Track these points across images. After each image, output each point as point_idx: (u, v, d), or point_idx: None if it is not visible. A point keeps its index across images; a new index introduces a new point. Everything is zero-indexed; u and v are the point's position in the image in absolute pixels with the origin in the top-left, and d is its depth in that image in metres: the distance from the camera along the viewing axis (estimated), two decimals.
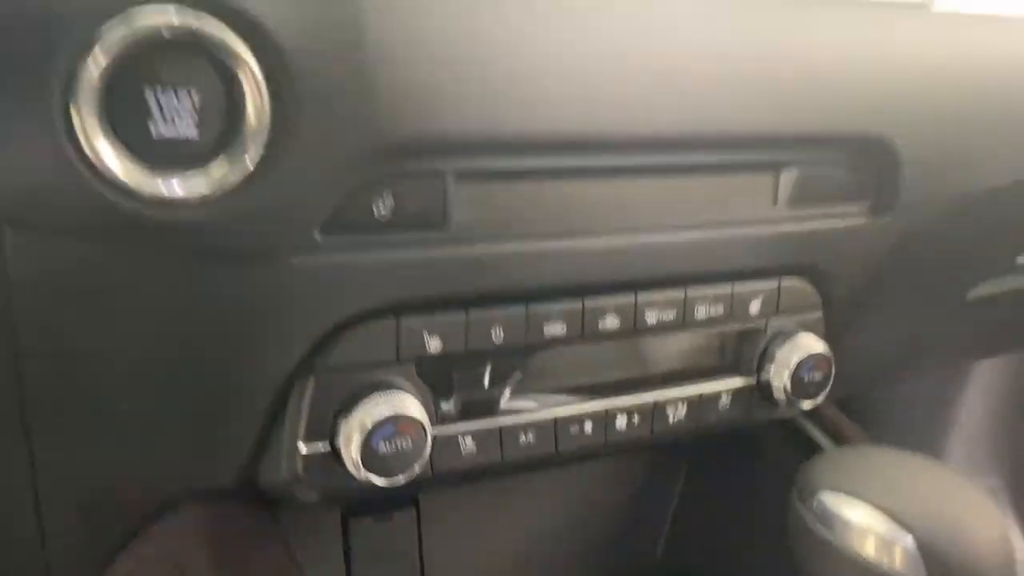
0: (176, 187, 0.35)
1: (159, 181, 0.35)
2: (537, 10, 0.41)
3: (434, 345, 0.46)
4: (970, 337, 1.02)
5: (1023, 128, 0.60)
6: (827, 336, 0.59)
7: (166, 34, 0.33)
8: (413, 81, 0.38)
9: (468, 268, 0.45)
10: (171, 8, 0.33)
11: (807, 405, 0.58)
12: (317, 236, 0.40)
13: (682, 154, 0.48)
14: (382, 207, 0.41)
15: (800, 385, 0.57)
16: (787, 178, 0.52)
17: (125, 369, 0.41)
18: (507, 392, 0.51)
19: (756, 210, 0.52)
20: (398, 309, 0.44)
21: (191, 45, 0.34)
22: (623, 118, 0.44)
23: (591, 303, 0.49)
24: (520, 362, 0.50)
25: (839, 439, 0.67)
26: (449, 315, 0.46)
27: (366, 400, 0.44)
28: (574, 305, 0.49)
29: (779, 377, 0.57)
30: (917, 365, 1.08)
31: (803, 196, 0.53)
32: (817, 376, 0.57)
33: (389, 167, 0.40)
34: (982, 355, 1.14)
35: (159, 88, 0.34)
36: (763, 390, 0.58)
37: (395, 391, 0.44)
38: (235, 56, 0.34)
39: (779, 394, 0.57)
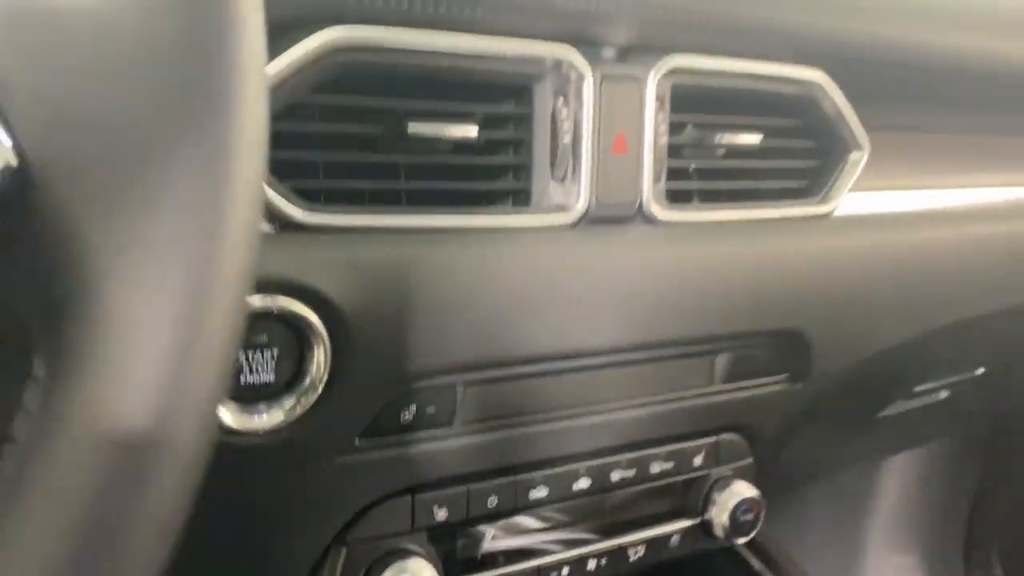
0: (258, 421, 0.45)
1: (246, 416, 0.45)
2: (524, 276, 0.53)
3: (441, 515, 0.56)
4: (881, 443, 1.16)
5: (912, 301, 0.74)
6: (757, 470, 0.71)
7: (251, 310, 0.44)
8: (436, 326, 0.49)
9: (470, 453, 0.56)
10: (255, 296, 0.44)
11: (742, 540, 0.70)
12: (356, 442, 0.51)
13: (637, 353, 0.60)
14: (407, 414, 0.52)
15: (736, 524, 0.68)
16: (720, 361, 0.65)
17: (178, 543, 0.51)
18: (501, 543, 0.61)
19: (697, 386, 0.64)
20: (413, 488, 0.55)
21: (273, 315, 0.44)
22: (590, 336, 0.56)
23: (567, 468, 0.60)
24: (511, 521, 0.61)
25: (770, 563, 0.79)
26: (454, 489, 0.56)
27: (390, 567, 0.54)
28: (554, 471, 0.60)
29: (719, 518, 0.68)
30: (837, 468, 1.22)
31: (733, 373, 0.66)
32: (750, 516, 0.69)
33: (418, 386, 0.51)
34: (892, 454, 1.28)
35: (247, 350, 0.44)
36: (706, 528, 0.69)
37: (412, 557, 0.55)
38: (309, 324, 0.45)
39: (719, 531, 0.68)
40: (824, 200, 0.67)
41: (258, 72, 0.23)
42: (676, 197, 0.61)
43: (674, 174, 0.60)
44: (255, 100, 0.22)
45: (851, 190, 0.68)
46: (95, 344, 0.21)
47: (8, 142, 0.21)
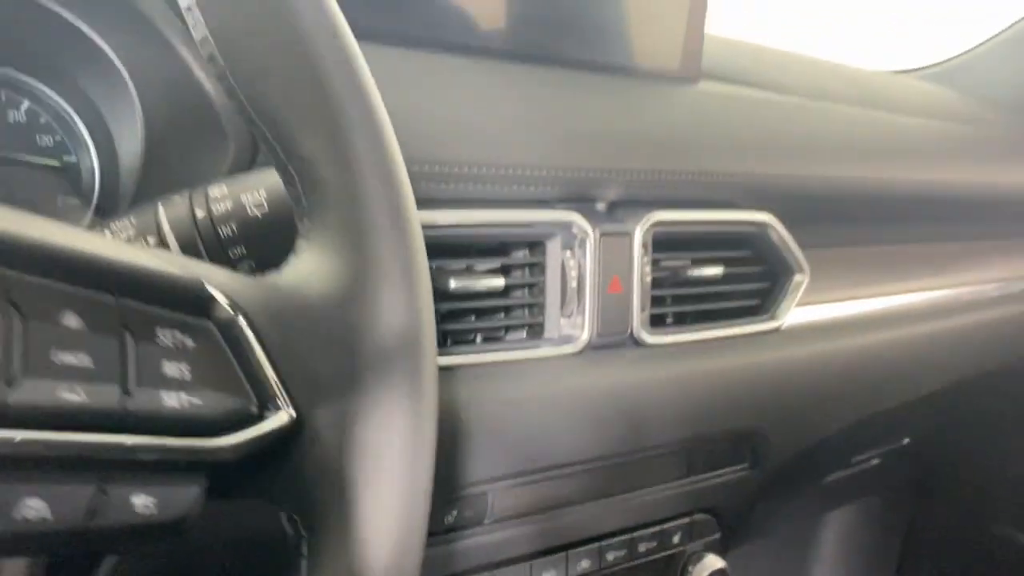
0: None
1: None
2: (541, 400, 0.65)
3: None
4: (823, 504, 1.31)
5: (851, 394, 0.88)
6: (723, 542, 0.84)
7: None
8: (472, 448, 0.61)
9: (497, 545, 0.67)
10: None
11: None
12: None
13: (625, 458, 0.72)
14: (449, 517, 0.63)
15: None
16: (694, 456, 0.77)
17: None
18: None
19: (676, 477, 0.77)
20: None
21: None
22: (594, 446, 0.68)
23: (572, 552, 0.72)
24: None
25: None
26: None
27: None
28: (561, 555, 0.71)
29: None
30: (785, 521, 1.36)
31: (704, 465, 0.78)
32: None
33: (460, 495, 0.62)
34: (834, 508, 1.43)
35: None
36: None
37: None
38: None
39: None
40: (773, 317, 0.81)
41: (434, 349, 0.35)
42: (655, 321, 0.74)
43: (654, 303, 0.73)
44: (433, 370, 0.35)
45: (797, 305, 0.82)
46: (349, 528, 0.32)
47: (290, 406, 0.32)
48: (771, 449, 0.81)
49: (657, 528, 0.78)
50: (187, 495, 0.31)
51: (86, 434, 0.29)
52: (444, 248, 0.63)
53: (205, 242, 0.44)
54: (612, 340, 0.70)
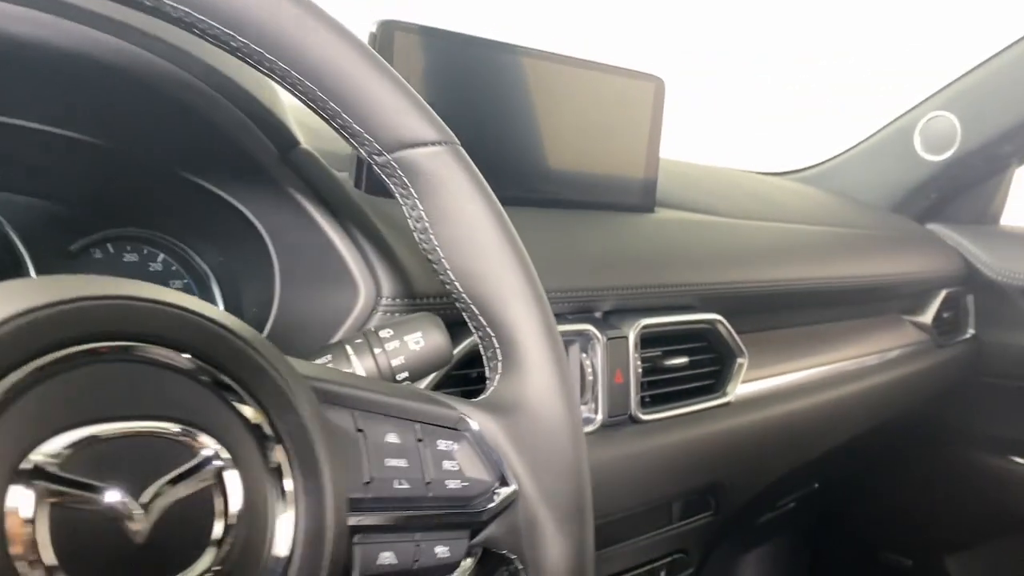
0: None
1: None
2: None
3: None
4: (751, 540, 1.54)
5: (787, 448, 1.11)
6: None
7: None
8: None
9: None
10: None
11: None
12: None
13: (626, 512, 0.91)
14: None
15: None
16: (675, 508, 0.98)
17: None
18: None
19: (663, 526, 0.97)
20: None
21: None
22: (608, 508, 0.87)
23: None
24: None
25: None
26: None
27: None
28: None
29: None
30: (722, 559, 1.57)
31: (682, 514, 0.99)
32: None
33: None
34: (754, 547, 1.66)
35: None
36: None
37: None
38: None
39: None
40: (725, 393, 1.03)
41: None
42: (641, 403, 0.95)
43: (641, 387, 0.94)
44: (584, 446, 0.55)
45: (742, 382, 1.05)
46: (546, 555, 0.51)
47: (515, 483, 0.51)
48: (729, 498, 1.03)
49: (649, 567, 0.97)
50: (463, 546, 0.49)
51: (409, 511, 0.47)
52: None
53: (382, 371, 0.62)
54: (617, 420, 0.90)
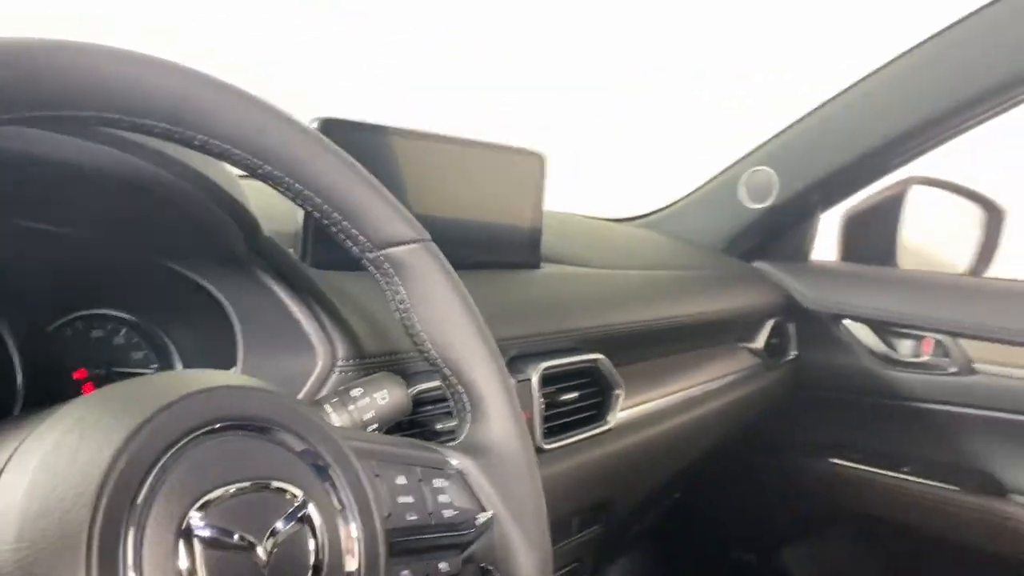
0: None
1: None
2: None
3: None
4: (619, 549, 1.72)
5: (656, 463, 1.30)
6: None
7: None
8: None
9: None
10: None
11: None
12: None
13: None
14: None
15: None
16: (574, 522, 1.14)
17: None
18: None
19: (562, 541, 1.13)
20: None
21: None
22: None
23: None
24: None
25: None
26: None
27: None
28: None
29: None
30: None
31: (577, 529, 1.15)
32: None
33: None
34: (623, 554, 1.85)
35: None
36: None
37: None
38: None
39: None
40: (606, 421, 1.20)
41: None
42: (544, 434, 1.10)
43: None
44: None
45: (620, 410, 1.23)
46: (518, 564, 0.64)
47: (490, 511, 0.64)
48: (615, 512, 1.20)
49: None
50: (459, 562, 0.62)
51: (418, 536, 0.59)
52: (425, 401, 0.95)
53: (354, 424, 0.74)
54: None
